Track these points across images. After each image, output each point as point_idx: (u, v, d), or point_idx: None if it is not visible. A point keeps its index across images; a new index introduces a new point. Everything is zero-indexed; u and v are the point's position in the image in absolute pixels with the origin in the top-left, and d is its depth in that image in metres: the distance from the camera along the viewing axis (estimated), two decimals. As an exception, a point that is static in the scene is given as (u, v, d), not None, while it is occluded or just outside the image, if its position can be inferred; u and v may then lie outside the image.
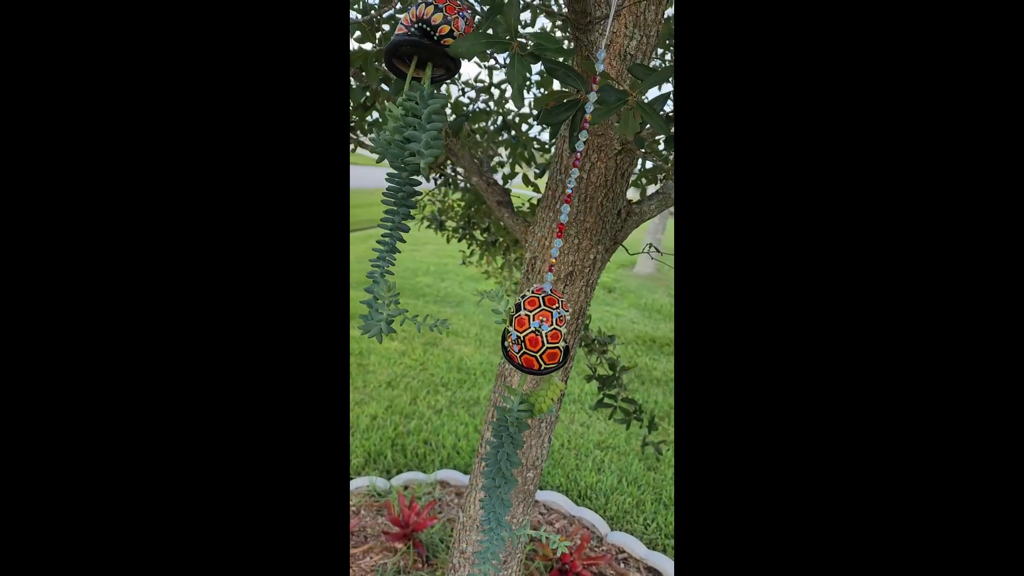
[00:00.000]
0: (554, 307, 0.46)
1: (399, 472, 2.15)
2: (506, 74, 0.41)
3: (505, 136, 1.11)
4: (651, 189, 1.33)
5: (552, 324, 0.45)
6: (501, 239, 1.36)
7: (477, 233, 1.61)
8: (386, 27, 0.89)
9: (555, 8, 1.07)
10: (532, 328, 0.45)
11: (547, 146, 1.27)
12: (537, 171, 1.32)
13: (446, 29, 0.47)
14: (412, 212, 0.53)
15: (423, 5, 0.48)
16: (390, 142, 0.51)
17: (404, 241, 0.54)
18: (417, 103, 0.50)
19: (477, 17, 0.56)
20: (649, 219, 0.91)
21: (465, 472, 2.15)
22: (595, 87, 0.43)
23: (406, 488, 1.98)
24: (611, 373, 1.20)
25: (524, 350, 0.46)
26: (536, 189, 1.31)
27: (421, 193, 0.53)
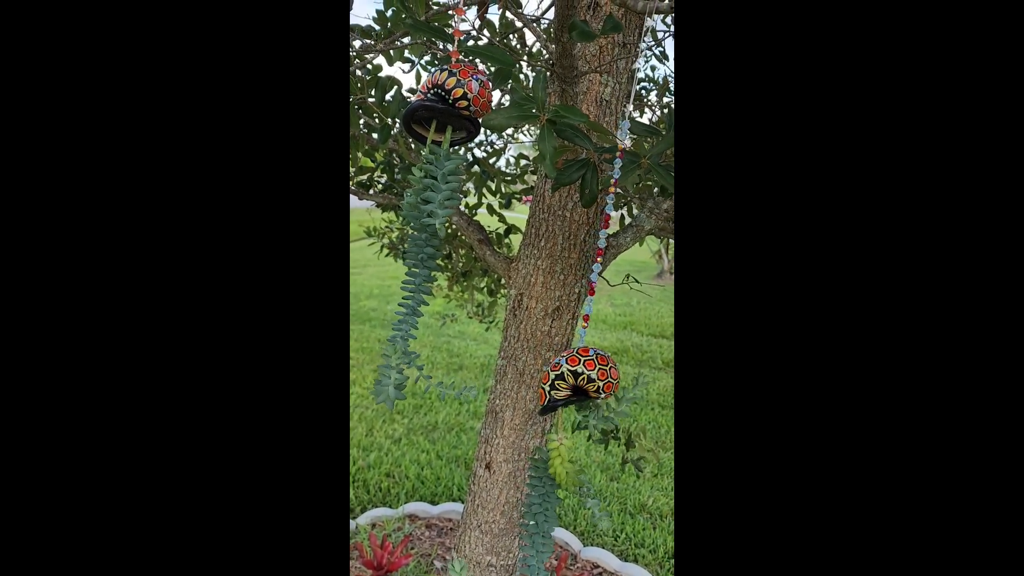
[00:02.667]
0: (560, 354, 0.49)
1: (363, 510, 2.08)
2: (537, 145, 0.43)
3: (475, 169, 1.13)
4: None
5: (548, 365, 0.49)
6: (470, 269, 1.37)
7: (440, 261, 1.61)
8: (357, 72, 0.89)
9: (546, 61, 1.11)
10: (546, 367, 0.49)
11: (511, 179, 1.30)
12: (503, 201, 1.35)
13: (459, 92, 0.49)
14: (432, 274, 0.53)
15: (438, 71, 0.49)
16: (413, 205, 0.51)
17: (427, 304, 0.54)
18: (434, 165, 0.51)
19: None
20: (625, 250, 0.96)
21: (433, 502, 2.11)
22: (620, 156, 0.46)
23: (374, 526, 1.92)
24: (587, 396, 1.24)
25: None
26: (502, 219, 1.33)
27: (442, 253, 0.54)
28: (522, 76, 1.15)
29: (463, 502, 2.13)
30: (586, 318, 0.50)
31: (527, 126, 1.63)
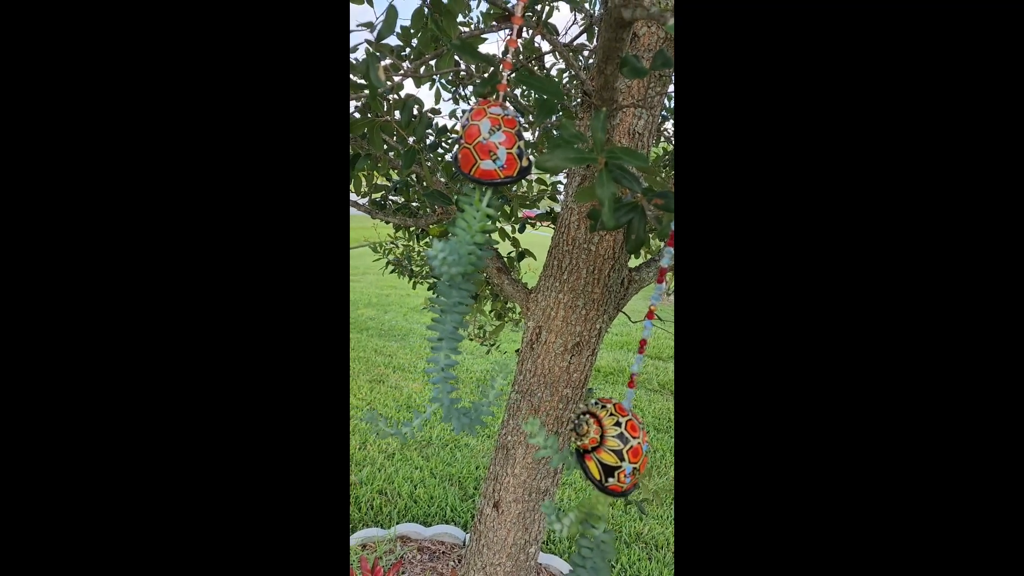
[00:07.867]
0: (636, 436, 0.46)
1: (354, 529, 2.02)
2: (597, 192, 0.40)
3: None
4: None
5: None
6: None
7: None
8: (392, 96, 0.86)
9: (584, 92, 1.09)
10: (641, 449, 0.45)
11: (530, 203, 1.27)
12: (516, 225, 1.32)
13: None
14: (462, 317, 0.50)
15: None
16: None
17: (456, 363, 0.50)
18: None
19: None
20: (647, 285, 0.93)
21: (426, 523, 2.05)
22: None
23: (364, 547, 1.86)
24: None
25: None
26: (516, 243, 1.30)
27: (470, 305, 0.51)
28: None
29: (456, 524, 2.08)
30: (633, 377, 0.47)
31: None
